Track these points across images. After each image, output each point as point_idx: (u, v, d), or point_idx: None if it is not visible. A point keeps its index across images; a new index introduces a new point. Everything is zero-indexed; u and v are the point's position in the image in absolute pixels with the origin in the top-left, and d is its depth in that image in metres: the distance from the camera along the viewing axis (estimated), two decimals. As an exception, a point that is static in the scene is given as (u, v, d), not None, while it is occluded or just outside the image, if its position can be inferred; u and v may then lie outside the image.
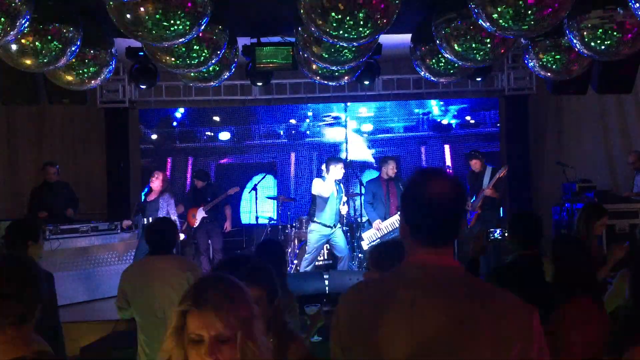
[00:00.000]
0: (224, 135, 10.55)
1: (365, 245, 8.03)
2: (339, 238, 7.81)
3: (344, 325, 1.76)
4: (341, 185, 7.91)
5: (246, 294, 1.73)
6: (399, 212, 7.94)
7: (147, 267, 3.98)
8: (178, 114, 10.55)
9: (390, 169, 8.02)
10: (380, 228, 7.89)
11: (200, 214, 8.51)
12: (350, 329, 1.74)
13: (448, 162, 10.44)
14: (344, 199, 8.04)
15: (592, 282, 3.21)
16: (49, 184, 8.15)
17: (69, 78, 5.67)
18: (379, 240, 7.92)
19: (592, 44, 4.81)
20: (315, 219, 7.77)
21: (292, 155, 10.56)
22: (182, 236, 8.23)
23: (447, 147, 10.51)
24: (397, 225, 7.73)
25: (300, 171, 10.50)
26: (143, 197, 8.42)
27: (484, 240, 3.81)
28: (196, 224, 8.54)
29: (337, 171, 7.65)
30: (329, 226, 7.70)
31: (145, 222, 7.90)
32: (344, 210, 8.06)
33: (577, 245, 3.34)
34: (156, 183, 8.13)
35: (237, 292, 1.70)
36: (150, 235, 4.09)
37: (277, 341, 2.28)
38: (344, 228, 8.46)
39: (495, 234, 3.95)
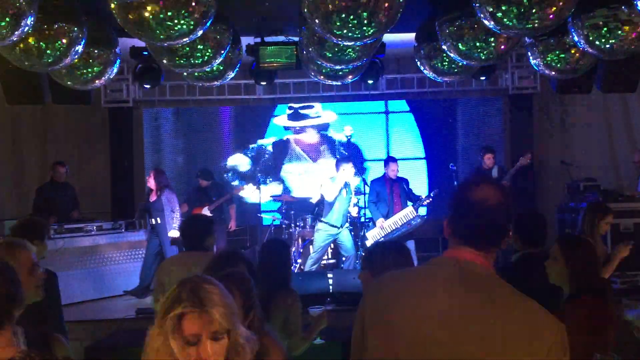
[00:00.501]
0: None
1: (369, 244, 8.03)
2: (346, 238, 7.81)
3: (369, 307, 1.80)
4: (350, 186, 7.87)
5: (227, 292, 1.79)
6: (402, 210, 7.99)
7: (184, 261, 4.03)
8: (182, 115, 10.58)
9: (390, 171, 8.02)
10: (384, 227, 7.89)
11: (205, 213, 8.50)
12: (374, 310, 1.78)
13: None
14: (354, 200, 8.02)
15: (597, 281, 3.19)
16: (56, 183, 8.15)
17: (73, 78, 5.68)
18: (382, 239, 7.93)
19: (597, 42, 4.79)
20: (322, 219, 7.75)
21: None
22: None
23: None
24: (400, 224, 7.80)
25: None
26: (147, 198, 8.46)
27: None
28: None
29: (347, 171, 7.64)
30: (335, 226, 7.69)
31: (154, 222, 7.93)
32: (354, 211, 8.04)
33: (582, 244, 3.30)
34: (151, 182, 8.10)
35: (224, 291, 1.75)
36: (184, 232, 4.24)
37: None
38: (349, 227, 8.46)
39: None
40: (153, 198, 8.07)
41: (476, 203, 1.75)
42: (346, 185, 7.70)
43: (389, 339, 1.70)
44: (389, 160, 8.26)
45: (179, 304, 1.67)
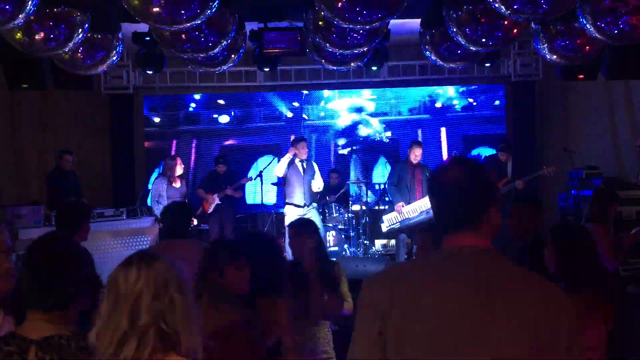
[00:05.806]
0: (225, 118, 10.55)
1: (385, 227, 7.98)
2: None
3: (379, 306, 1.69)
4: (312, 163, 7.88)
5: None
6: (423, 198, 7.89)
7: (166, 249, 3.97)
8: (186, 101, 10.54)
9: (414, 156, 7.81)
10: (402, 211, 7.78)
11: (215, 200, 8.56)
12: (386, 311, 1.67)
13: (444, 144, 10.40)
14: (320, 180, 7.94)
15: (596, 274, 2.93)
16: (63, 171, 8.10)
17: (75, 62, 5.62)
18: (398, 224, 7.82)
19: (605, 28, 4.75)
20: (287, 200, 7.83)
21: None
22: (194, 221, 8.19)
23: (443, 130, 10.46)
24: (418, 212, 7.70)
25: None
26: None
27: None
28: (210, 210, 8.60)
29: (297, 149, 7.72)
30: (300, 206, 7.70)
31: None
32: (315, 187, 7.94)
33: (580, 233, 3.11)
34: (178, 169, 8.08)
35: None
36: (165, 219, 4.16)
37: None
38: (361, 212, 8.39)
39: None
40: (178, 184, 8.04)
41: (447, 185, 1.72)
42: (302, 161, 7.74)
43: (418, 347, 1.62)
44: (413, 144, 7.98)
45: None
